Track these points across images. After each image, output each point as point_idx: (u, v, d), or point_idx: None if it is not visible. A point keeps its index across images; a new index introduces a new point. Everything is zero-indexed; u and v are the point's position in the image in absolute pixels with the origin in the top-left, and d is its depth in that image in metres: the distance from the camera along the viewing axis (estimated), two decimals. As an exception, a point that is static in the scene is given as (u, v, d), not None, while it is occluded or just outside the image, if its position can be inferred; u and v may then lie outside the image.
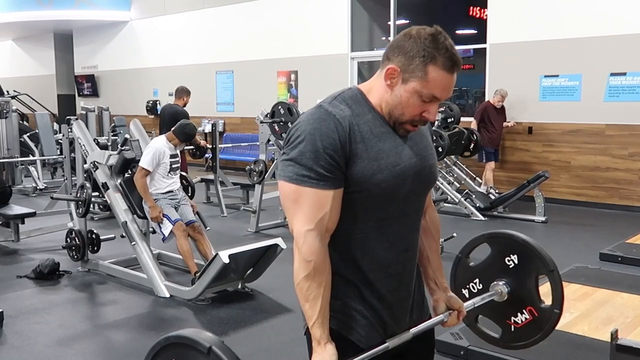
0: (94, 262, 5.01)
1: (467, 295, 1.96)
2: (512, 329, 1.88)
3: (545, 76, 8.00)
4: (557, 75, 7.89)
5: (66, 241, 5.10)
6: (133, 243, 4.64)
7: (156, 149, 4.66)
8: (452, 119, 7.76)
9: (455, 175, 7.93)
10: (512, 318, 1.88)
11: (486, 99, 8.51)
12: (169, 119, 7.31)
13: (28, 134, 10.08)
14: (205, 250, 4.65)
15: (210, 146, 7.90)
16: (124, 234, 4.72)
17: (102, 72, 14.77)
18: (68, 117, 9.42)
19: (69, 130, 5.49)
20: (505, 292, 1.85)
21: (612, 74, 7.48)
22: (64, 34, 15.63)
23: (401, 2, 9.82)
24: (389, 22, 9.83)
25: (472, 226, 6.64)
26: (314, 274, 1.39)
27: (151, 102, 13.01)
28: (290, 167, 1.39)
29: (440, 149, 6.58)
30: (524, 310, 1.85)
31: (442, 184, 7.39)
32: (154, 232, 5.05)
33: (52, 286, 4.68)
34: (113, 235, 5.16)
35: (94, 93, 14.94)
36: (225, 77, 11.99)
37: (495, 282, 1.88)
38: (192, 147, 7.57)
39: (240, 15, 11.53)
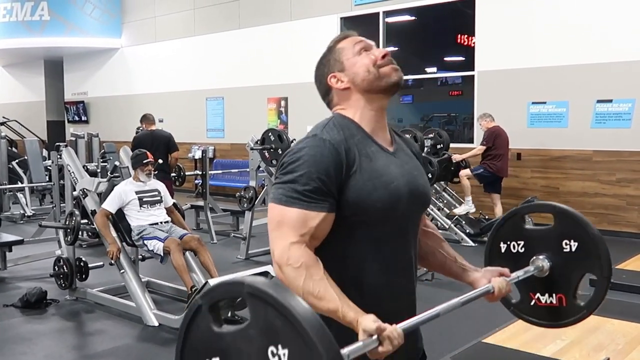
0: (82, 290, 4.95)
1: (502, 250, 1.87)
2: (532, 303, 1.81)
3: (533, 103, 8.10)
4: (544, 102, 7.98)
5: (54, 269, 5.05)
6: (122, 271, 4.60)
7: (117, 191, 4.78)
8: (442, 145, 7.83)
9: (445, 201, 7.95)
10: (538, 295, 1.80)
11: (475, 126, 8.58)
12: (159, 145, 7.32)
13: (17, 161, 10.03)
14: (206, 261, 4.60)
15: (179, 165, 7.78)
16: (112, 262, 4.68)
17: (92, 98, 14.79)
18: (57, 143, 9.38)
19: (58, 157, 5.48)
20: (547, 269, 1.77)
21: (599, 101, 7.58)
22: (54, 60, 15.67)
23: (390, 29, 9.94)
24: (378, 50, 9.92)
25: (462, 252, 6.57)
26: (311, 273, 1.32)
27: (141, 128, 12.99)
28: (280, 190, 1.38)
29: (430, 175, 6.61)
30: (553, 294, 1.78)
31: (432, 209, 7.41)
32: (143, 259, 5.03)
33: (39, 315, 4.62)
34: (102, 263, 5.12)
35: (84, 119, 14.94)
36: (215, 104, 12.04)
37: (540, 256, 1.79)
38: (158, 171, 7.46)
39: (230, 43, 11.62)
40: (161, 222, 4.81)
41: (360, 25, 10.17)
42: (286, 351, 1.00)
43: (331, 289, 1.31)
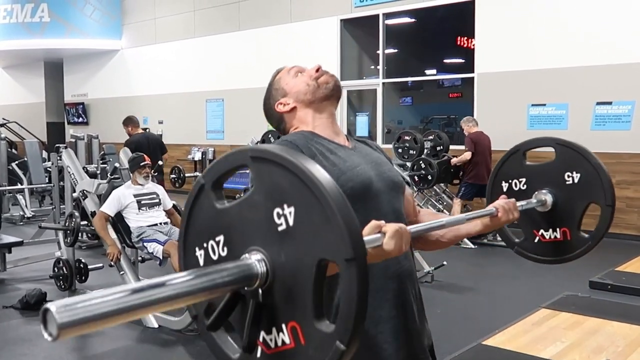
0: (82, 291, 4.95)
1: (504, 189, 1.86)
2: (536, 240, 1.80)
3: (533, 105, 8.10)
4: (544, 104, 7.99)
5: (54, 270, 5.04)
6: (122, 272, 4.60)
7: (116, 194, 4.79)
8: (441, 147, 7.83)
9: (445, 203, 7.94)
10: (542, 231, 1.79)
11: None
12: (155, 147, 7.38)
13: (16, 162, 10.02)
14: None
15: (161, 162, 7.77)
16: (112, 264, 4.67)
17: (92, 100, 14.79)
18: (57, 145, 9.39)
19: (58, 158, 5.48)
20: (549, 204, 1.76)
21: (598, 103, 7.59)
22: (54, 62, 15.67)
23: (390, 32, 9.96)
24: (378, 52, 9.94)
25: (462, 254, 6.64)
26: None
27: (141, 130, 13.01)
28: None
29: (429, 177, 6.62)
30: (557, 229, 1.77)
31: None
32: (142, 261, 5.02)
33: (38, 317, 4.59)
34: (101, 265, 5.11)
35: (84, 121, 14.94)
36: (215, 105, 12.04)
37: (542, 191, 1.78)
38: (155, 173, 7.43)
39: (230, 44, 11.63)
40: (160, 224, 4.81)
41: (360, 27, 10.19)
42: (292, 209, 0.97)
43: None
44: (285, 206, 0.98)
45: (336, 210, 0.92)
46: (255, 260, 1.00)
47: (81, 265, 4.99)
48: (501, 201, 1.61)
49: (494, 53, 8.48)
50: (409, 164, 7.26)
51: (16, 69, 16.98)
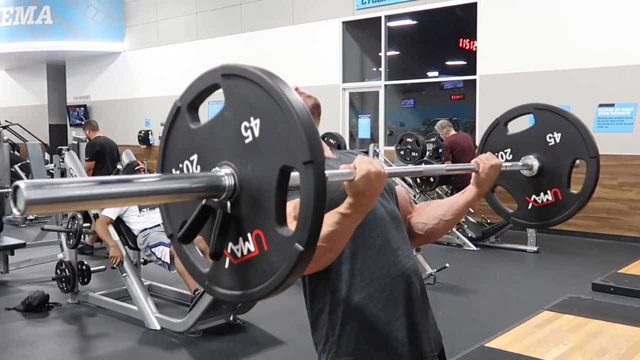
0: (84, 294, 4.95)
1: None
2: (529, 207, 1.82)
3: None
4: (546, 106, 7.97)
5: (56, 272, 5.05)
6: (124, 275, 4.60)
7: None
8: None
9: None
10: (533, 196, 1.82)
11: (477, 130, 8.58)
12: (115, 151, 7.54)
13: (19, 164, 10.05)
14: None
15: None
16: (114, 266, 4.68)
17: (95, 102, 14.81)
18: (60, 147, 9.42)
19: (61, 160, 5.49)
20: (536, 168, 1.79)
21: (601, 105, 7.58)
22: (56, 64, 15.70)
23: (392, 34, 9.96)
24: (380, 54, 9.95)
25: (464, 256, 6.64)
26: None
27: (143, 132, 13.03)
28: None
29: (431, 179, 6.61)
30: (548, 191, 1.80)
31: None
32: (145, 263, 5.03)
33: (41, 319, 4.62)
34: (104, 267, 5.12)
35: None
36: (217, 108, 11.82)
37: (528, 156, 1.81)
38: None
39: (232, 47, 11.64)
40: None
41: (362, 29, 10.19)
42: (258, 121, 1.03)
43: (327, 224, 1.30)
44: (251, 119, 1.04)
45: (297, 118, 0.97)
46: (224, 173, 1.06)
47: (83, 267, 4.99)
48: (482, 156, 1.65)
49: (496, 55, 8.48)
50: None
51: (19, 71, 17.02)
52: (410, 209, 1.71)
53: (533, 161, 1.81)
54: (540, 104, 1.89)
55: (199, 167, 1.13)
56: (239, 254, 1.07)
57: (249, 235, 1.05)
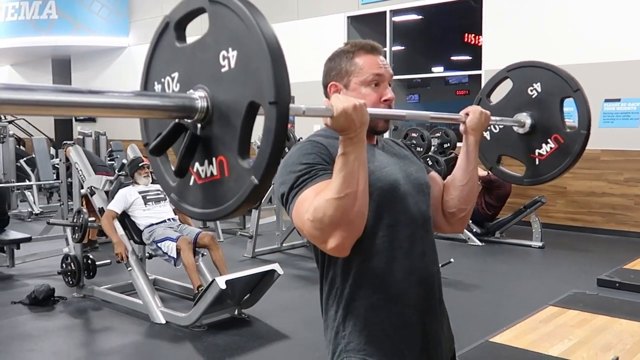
0: (90, 287, 4.97)
1: (488, 138, 1.94)
2: (537, 162, 1.83)
3: (541, 102, 8.06)
4: (552, 101, 7.94)
5: (61, 267, 5.07)
6: (129, 269, 4.61)
7: (122, 192, 4.88)
8: (449, 144, 7.81)
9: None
10: (537, 150, 1.83)
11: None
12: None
13: (25, 159, 10.07)
14: (217, 259, 4.64)
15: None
16: (119, 260, 4.69)
17: (100, 97, 14.82)
18: (65, 141, 9.44)
19: (64, 150, 5.52)
20: (528, 124, 1.81)
21: (607, 100, 7.55)
22: (62, 59, 15.72)
23: (397, 29, 9.93)
24: (384, 49, 9.92)
25: (469, 251, 6.63)
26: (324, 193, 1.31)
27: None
28: (288, 192, 1.38)
29: (439, 171, 6.61)
30: (548, 140, 1.81)
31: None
32: (150, 257, 5.04)
33: (46, 312, 4.63)
34: (109, 261, 5.13)
35: (91, 118, 14.99)
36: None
37: (517, 114, 1.84)
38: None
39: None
40: (169, 219, 4.85)
41: (367, 24, 10.17)
42: (235, 52, 1.06)
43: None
44: (230, 49, 1.07)
45: (270, 58, 1.00)
46: (198, 96, 1.10)
47: (89, 262, 5.01)
48: (470, 107, 1.67)
49: (502, 50, 8.45)
50: (416, 161, 7.24)
51: (24, 66, 17.05)
52: (442, 192, 1.68)
53: (524, 117, 1.83)
54: (511, 64, 1.93)
55: (178, 85, 1.18)
56: (202, 175, 1.14)
57: (213, 159, 1.11)
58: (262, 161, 1.03)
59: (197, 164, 1.14)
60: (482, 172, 7.49)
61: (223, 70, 1.08)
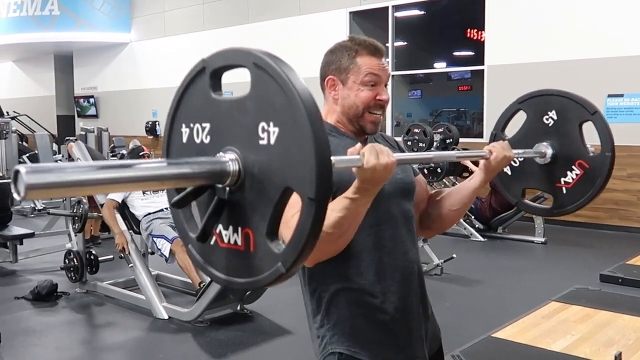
0: (92, 283, 4.98)
1: (509, 173, 1.89)
2: (564, 192, 1.79)
3: (543, 97, 8.03)
4: (554, 97, 7.92)
5: (64, 262, 5.08)
6: (130, 265, 4.62)
7: None
8: (451, 140, 7.80)
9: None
10: (562, 179, 1.79)
11: (484, 121, 8.53)
12: None
13: (27, 155, 10.09)
14: None
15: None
16: (122, 255, 4.70)
17: (102, 93, 14.84)
18: (67, 137, 9.45)
19: (65, 143, 5.55)
20: (550, 154, 1.78)
21: (610, 96, 7.53)
22: (64, 55, 15.72)
23: (399, 24, 9.91)
24: (387, 44, 9.90)
25: (471, 247, 6.63)
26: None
27: (150, 122, 13.06)
28: None
29: (439, 170, 6.60)
30: (573, 167, 1.77)
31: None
32: (152, 253, 5.04)
33: (49, 308, 4.65)
34: (112, 256, 5.14)
35: (94, 114, 15.00)
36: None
37: (536, 145, 1.80)
38: None
39: (239, 37, 11.61)
40: (166, 209, 4.83)
41: (369, 19, 10.15)
42: (277, 129, 1.00)
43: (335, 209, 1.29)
44: (271, 123, 1.00)
45: (315, 150, 0.94)
46: (229, 159, 1.04)
47: (91, 257, 5.01)
48: (494, 144, 1.63)
49: (504, 45, 8.43)
50: (418, 157, 7.22)
51: (26, 62, 17.05)
52: (425, 199, 1.70)
53: (545, 148, 1.79)
54: (522, 96, 1.88)
55: (209, 137, 1.10)
56: (225, 240, 1.09)
57: (239, 229, 1.06)
58: (293, 253, 0.98)
59: (220, 227, 1.09)
60: None
61: (261, 142, 1.01)
